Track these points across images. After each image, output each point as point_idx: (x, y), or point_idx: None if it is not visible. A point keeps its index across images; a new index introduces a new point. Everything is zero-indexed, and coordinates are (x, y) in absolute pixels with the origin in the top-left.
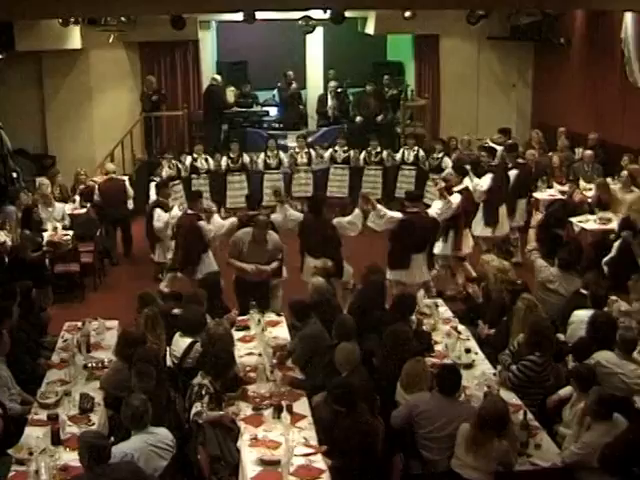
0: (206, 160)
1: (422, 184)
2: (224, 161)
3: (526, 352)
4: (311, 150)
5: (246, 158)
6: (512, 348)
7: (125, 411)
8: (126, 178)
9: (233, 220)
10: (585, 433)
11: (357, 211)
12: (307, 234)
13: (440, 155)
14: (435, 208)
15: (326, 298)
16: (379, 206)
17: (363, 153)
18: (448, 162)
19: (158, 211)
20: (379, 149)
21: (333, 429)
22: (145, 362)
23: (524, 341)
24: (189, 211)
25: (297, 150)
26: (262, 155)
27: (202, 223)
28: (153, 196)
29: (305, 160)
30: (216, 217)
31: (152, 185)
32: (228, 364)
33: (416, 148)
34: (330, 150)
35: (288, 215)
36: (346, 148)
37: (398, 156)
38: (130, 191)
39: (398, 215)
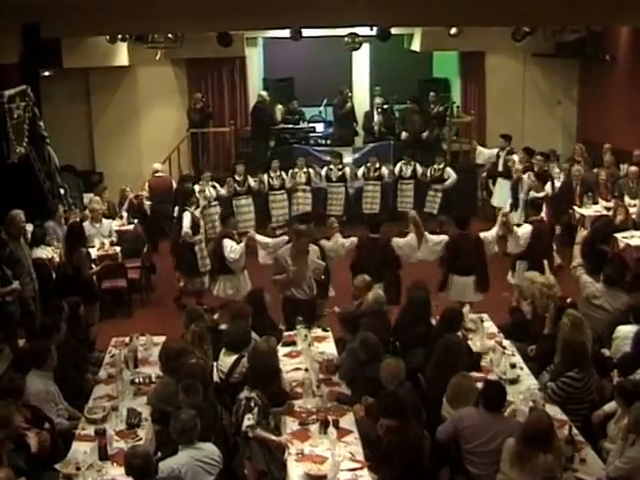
0: (244, 180)
1: (422, 197)
2: (265, 179)
3: (563, 370)
4: (347, 168)
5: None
6: (552, 366)
7: (174, 425)
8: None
9: (353, 239)
10: (630, 448)
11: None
12: (363, 256)
13: (441, 166)
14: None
15: (383, 311)
16: (426, 233)
17: (362, 169)
18: (450, 172)
19: (228, 242)
20: (377, 165)
21: (380, 443)
22: (192, 377)
23: (560, 359)
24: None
25: (331, 168)
26: (290, 172)
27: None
28: (187, 225)
29: (339, 175)
30: (338, 236)
31: (186, 215)
32: (274, 379)
33: (412, 162)
34: (363, 168)
35: (340, 242)
36: (377, 165)
37: (396, 170)
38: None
39: (443, 238)
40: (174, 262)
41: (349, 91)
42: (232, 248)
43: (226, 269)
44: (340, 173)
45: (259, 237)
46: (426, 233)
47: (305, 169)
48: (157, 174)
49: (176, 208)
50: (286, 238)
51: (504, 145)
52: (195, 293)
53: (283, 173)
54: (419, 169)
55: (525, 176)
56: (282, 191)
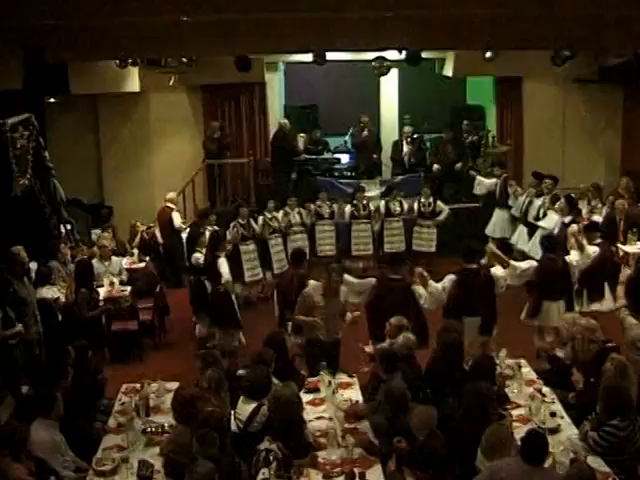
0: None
1: (410, 235)
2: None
3: (606, 418)
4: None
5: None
6: (593, 415)
7: (190, 479)
8: (175, 210)
9: (371, 279)
10: None
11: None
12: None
13: (430, 200)
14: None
15: (412, 355)
16: (431, 281)
17: (348, 207)
18: (442, 206)
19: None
20: (365, 202)
21: None
22: (207, 427)
23: (602, 407)
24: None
25: (355, 202)
26: (312, 205)
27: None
28: (227, 272)
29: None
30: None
31: (222, 261)
32: (297, 429)
33: (399, 198)
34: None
35: (355, 284)
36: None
37: (415, 207)
38: (177, 221)
39: (370, 280)
40: (196, 314)
41: (367, 118)
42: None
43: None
44: (365, 209)
45: (346, 276)
46: (511, 261)
47: (329, 202)
48: (166, 204)
49: (198, 254)
50: (373, 280)
51: (533, 185)
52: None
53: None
54: (441, 206)
55: (539, 201)
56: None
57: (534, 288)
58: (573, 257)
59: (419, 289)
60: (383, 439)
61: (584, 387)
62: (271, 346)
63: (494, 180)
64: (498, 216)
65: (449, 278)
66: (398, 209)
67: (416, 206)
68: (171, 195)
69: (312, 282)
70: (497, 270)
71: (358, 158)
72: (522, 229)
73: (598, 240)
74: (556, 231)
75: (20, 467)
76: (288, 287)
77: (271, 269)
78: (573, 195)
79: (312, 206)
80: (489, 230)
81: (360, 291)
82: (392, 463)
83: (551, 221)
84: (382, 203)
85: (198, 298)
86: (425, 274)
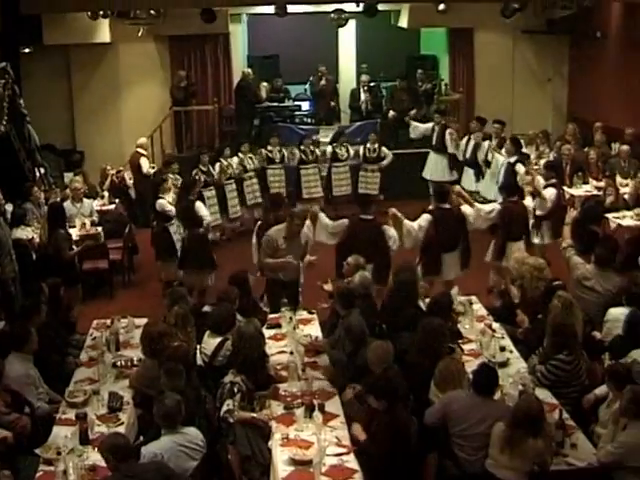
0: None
1: (356, 179)
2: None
3: (553, 352)
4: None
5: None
6: (541, 349)
7: (158, 411)
8: (144, 156)
9: (344, 221)
10: (621, 432)
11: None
12: (353, 236)
13: (376, 146)
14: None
15: (369, 293)
16: (323, 219)
17: (297, 151)
18: (386, 152)
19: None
20: (312, 147)
21: (368, 426)
22: (174, 361)
23: (549, 342)
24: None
25: (303, 147)
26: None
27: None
28: (207, 214)
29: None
30: (322, 216)
31: (198, 205)
32: (259, 363)
33: (346, 144)
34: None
35: (329, 226)
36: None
37: (328, 153)
38: (144, 166)
39: (343, 222)
40: (162, 261)
41: (325, 68)
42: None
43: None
44: (313, 154)
45: (322, 216)
46: (476, 203)
47: (278, 148)
48: (137, 149)
49: (162, 200)
50: (346, 221)
51: (477, 128)
52: (201, 292)
53: (284, 149)
54: (385, 152)
55: (486, 144)
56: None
57: (498, 230)
58: (528, 202)
59: (389, 230)
60: (342, 372)
61: (531, 323)
62: (235, 285)
63: (429, 125)
64: (432, 160)
65: (425, 217)
66: (345, 154)
67: (362, 151)
68: (142, 140)
69: (276, 226)
70: (466, 209)
71: (317, 105)
72: (468, 171)
73: (553, 180)
74: (502, 171)
75: None
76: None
77: (227, 214)
78: (519, 137)
79: (263, 151)
80: (426, 173)
81: (334, 232)
82: (350, 394)
83: (498, 162)
84: (329, 148)
85: (164, 245)
86: (399, 215)
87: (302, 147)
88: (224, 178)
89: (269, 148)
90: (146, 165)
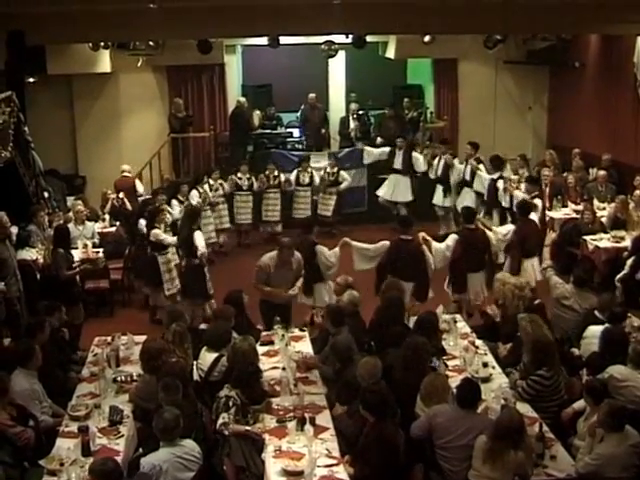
0: (221, 185)
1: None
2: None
3: (533, 368)
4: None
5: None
6: (521, 365)
7: (157, 424)
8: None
9: (385, 242)
10: (598, 444)
11: (336, 250)
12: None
13: (335, 170)
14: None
15: (357, 312)
16: (360, 245)
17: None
18: (344, 175)
19: (323, 249)
20: (276, 173)
21: (357, 439)
22: (171, 376)
23: (529, 359)
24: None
25: (301, 170)
26: (262, 175)
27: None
28: (203, 244)
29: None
30: (357, 243)
31: (197, 234)
32: (253, 378)
33: (309, 169)
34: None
35: (370, 250)
36: (335, 170)
37: (292, 178)
38: (140, 188)
39: (384, 244)
40: (137, 276)
41: (314, 96)
42: (329, 254)
43: (320, 277)
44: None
45: (356, 243)
46: (493, 227)
47: (276, 173)
48: (123, 174)
49: (157, 230)
50: (387, 243)
51: (472, 152)
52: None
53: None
54: (344, 176)
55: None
56: (248, 192)
57: (513, 249)
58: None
59: (426, 250)
60: (331, 387)
61: (511, 340)
62: (230, 304)
63: (382, 149)
64: (394, 181)
65: (452, 237)
66: (307, 180)
67: (321, 175)
68: (125, 167)
69: (268, 253)
70: (489, 233)
71: (307, 133)
72: (439, 188)
73: (535, 193)
74: (486, 186)
75: (2, 412)
76: (300, 252)
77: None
78: (499, 155)
79: (233, 177)
80: (385, 194)
81: (374, 256)
82: (339, 408)
83: (484, 180)
84: (293, 174)
85: (150, 272)
86: (428, 237)
87: (267, 173)
88: (204, 205)
89: (239, 175)
90: (141, 187)
